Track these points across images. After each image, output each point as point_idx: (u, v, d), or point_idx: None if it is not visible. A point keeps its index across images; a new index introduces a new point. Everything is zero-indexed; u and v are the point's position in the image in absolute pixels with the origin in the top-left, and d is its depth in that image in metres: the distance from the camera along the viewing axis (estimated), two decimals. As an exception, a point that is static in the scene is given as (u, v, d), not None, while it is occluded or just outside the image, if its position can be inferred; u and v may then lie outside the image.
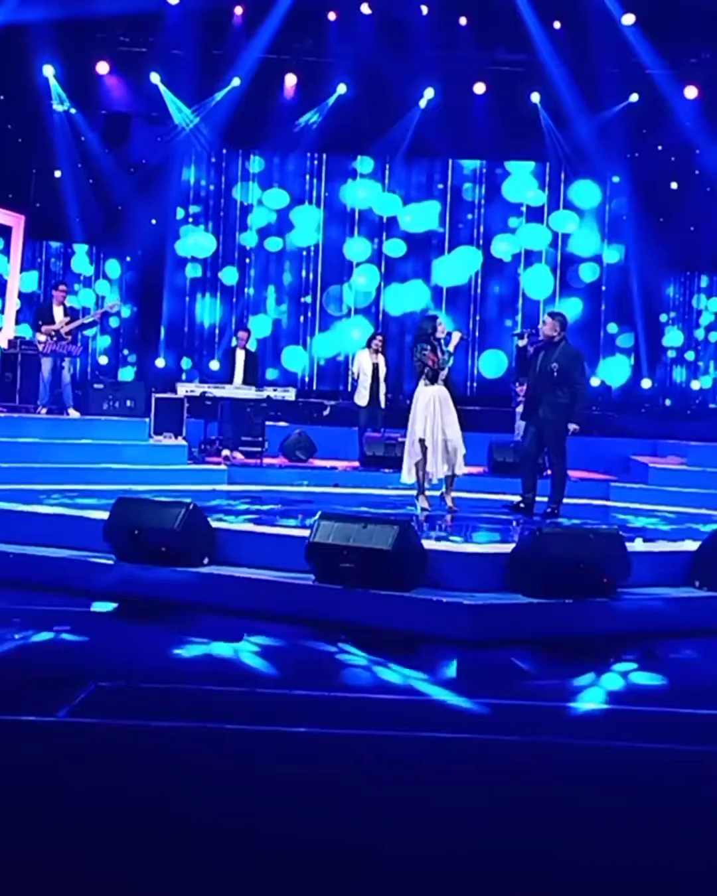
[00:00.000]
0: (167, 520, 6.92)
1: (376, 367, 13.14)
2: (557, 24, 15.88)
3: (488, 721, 4.74)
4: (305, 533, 6.80)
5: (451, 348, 9.16)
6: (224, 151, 17.77)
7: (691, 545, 7.17)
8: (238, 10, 16.13)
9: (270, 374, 17.53)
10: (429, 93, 16.92)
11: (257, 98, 16.65)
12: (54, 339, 12.41)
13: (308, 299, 17.96)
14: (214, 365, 17.37)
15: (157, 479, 10.54)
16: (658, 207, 17.01)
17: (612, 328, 17.74)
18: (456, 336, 9.23)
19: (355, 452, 13.19)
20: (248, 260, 17.94)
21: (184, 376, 17.05)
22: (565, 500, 9.51)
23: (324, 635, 6.03)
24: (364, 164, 17.92)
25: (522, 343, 9.33)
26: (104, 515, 7.18)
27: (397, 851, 3.30)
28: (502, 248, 17.86)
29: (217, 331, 17.85)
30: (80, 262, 17.62)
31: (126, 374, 17.51)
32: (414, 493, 9.58)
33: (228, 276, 17.88)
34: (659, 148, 17.03)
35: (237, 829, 3.40)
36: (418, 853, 3.29)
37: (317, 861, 3.21)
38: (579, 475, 12.23)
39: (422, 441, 9.13)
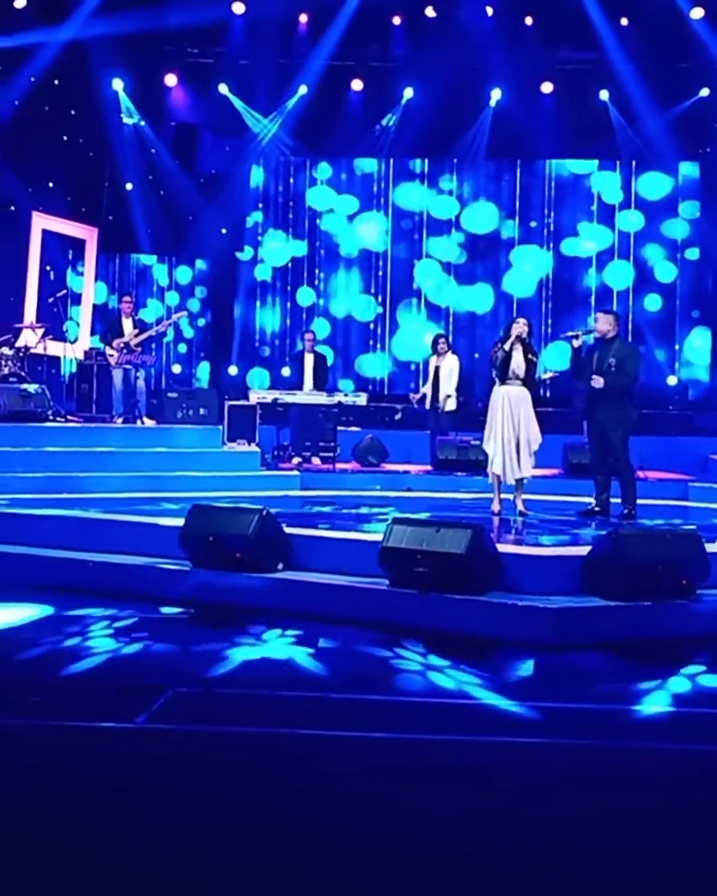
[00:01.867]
0: (241, 526, 6.96)
1: (437, 370, 13.09)
2: (624, 21, 15.72)
3: (563, 725, 4.68)
4: (379, 538, 6.79)
5: (506, 346, 8.98)
6: (293, 158, 17.87)
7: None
8: (303, 18, 16.23)
9: (343, 382, 17.55)
10: (496, 94, 16.84)
11: (325, 105, 16.73)
12: (124, 351, 12.57)
13: (379, 304, 17.96)
14: (286, 372, 17.44)
15: (230, 485, 10.61)
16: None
17: (687, 326, 17.47)
18: (515, 330, 9.07)
19: (427, 456, 13.16)
20: (318, 266, 18.01)
21: (254, 385, 17.15)
22: (644, 501, 9.38)
23: (398, 640, 6.01)
24: (433, 167, 17.89)
25: (577, 343, 9.20)
26: (180, 523, 7.25)
27: (473, 858, 3.27)
28: (574, 247, 17.70)
29: (288, 337, 17.94)
30: (153, 272, 17.84)
31: (200, 380, 17.68)
32: (491, 496, 9.53)
33: (298, 282, 17.95)
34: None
35: (311, 833, 3.40)
36: (492, 858, 3.26)
37: (392, 866, 3.20)
38: (657, 475, 12.06)
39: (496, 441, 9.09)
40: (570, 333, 9.48)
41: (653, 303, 17.48)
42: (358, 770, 4.04)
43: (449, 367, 13.09)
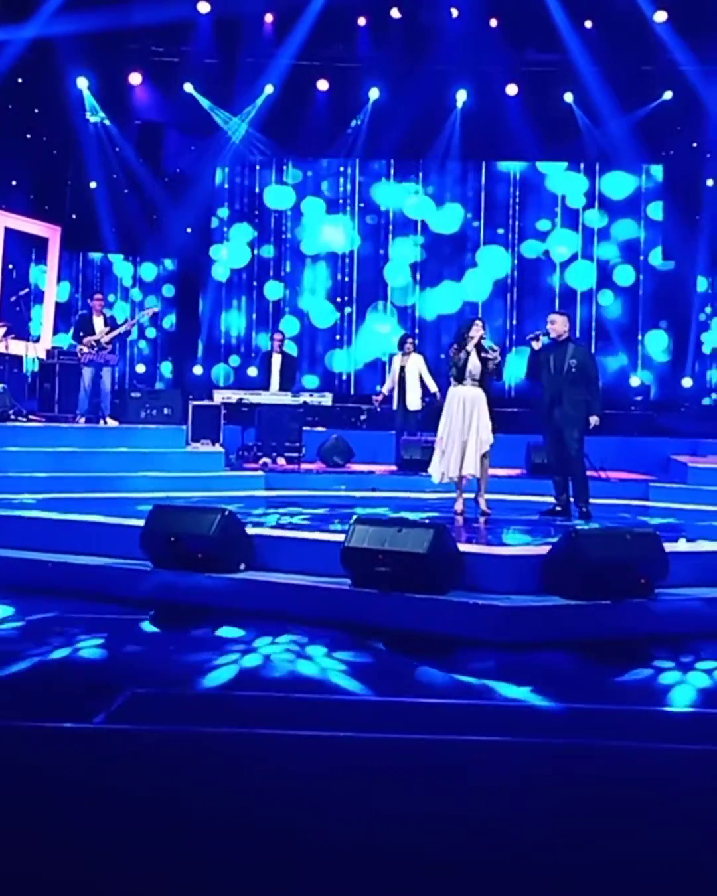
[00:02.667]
0: (203, 526, 6.95)
1: (403, 370, 13.10)
2: (588, 24, 15.82)
3: (523, 722, 4.72)
4: (341, 538, 6.81)
5: (469, 347, 9.06)
6: (259, 158, 17.84)
7: (730, 545, 7.11)
8: (268, 18, 16.21)
9: (308, 380, 17.56)
10: (462, 95, 16.90)
11: (291, 104, 16.73)
12: (95, 349, 12.52)
13: (345, 304, 17.97)
14: (252, 372, 17.42)
15: (194, 486, 10.60)
16: (694, 205, 16.88)
17: (647, 327, 17.61)
18: (475, 333, 9.14)
19: (392, 456, 13.20)
20: (284, 266, 18.00)
21: (221, 383, 17.11)
22: (605, 501, 9.48)
23: (360, 639, 6.03)
24: (398, 167, 17.93)
25: (537, 345, 9.29)
26: (141, 523, 7.23)
27: (435, 857, 3.29)
28: (538, 249, 17.79)
29: (254, 337, 17.91)
30: (116, 271, 17.77)
31: (164, 380, 17.63)
32: (453, 495, 9.58)
33: (265, 282, 17.94)
34: (694, 145, 16.90)
35: (272, 833, 3.40)
36: (460, 860, 3.28)
37: (351, 865, 3.21)
38: (619, 475, 12.17)
39: (441, 441, 9.16)
40: (530, 337, 9.55)
41: (616, 304, 17.61)
42: (321, 769, 4.05)
43: (416, 366, 13.11)
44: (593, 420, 9.07)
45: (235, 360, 17.96)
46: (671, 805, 3.79)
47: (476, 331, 9.14)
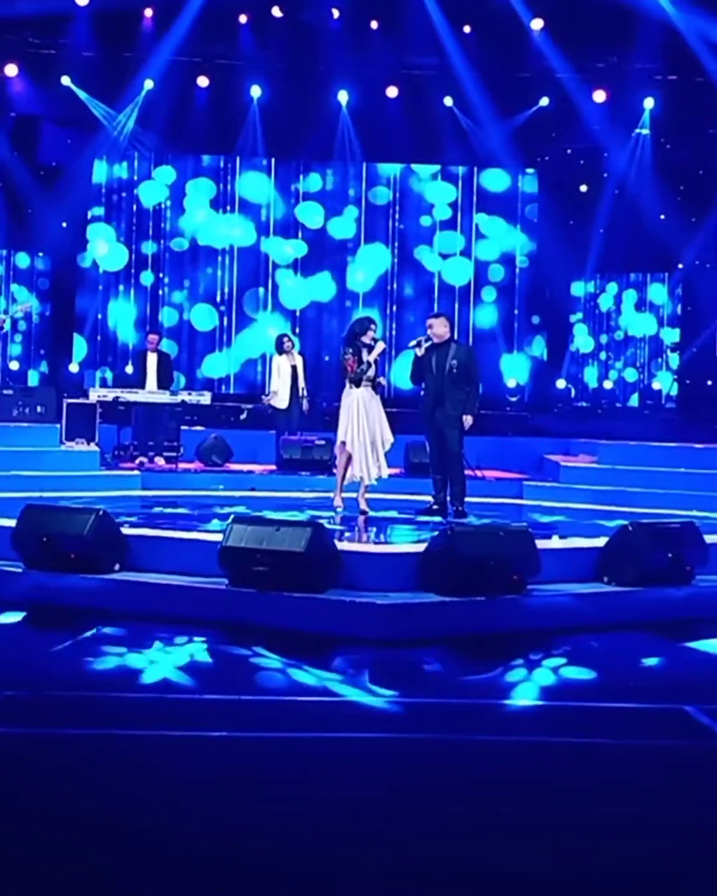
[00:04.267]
0: (77, 526, 6.84)
1: (294, 368, 13.06)
2: (467, 29, 16.03)
3: (400, 720, 4.76)
4: (218, 537, 6.77)
5: (371, 358, 9.13)
6: (137, 153, 17.61)
7: (599, 542, 7.29)
8: (148, 12, 16.02)
9: (186, 378, 17.40)
10: (343, 96, 16.97)
11: (171, 100, 16.55)
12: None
13: (223, 302, 17.87)
14: (129, 369, 17.19)
15: (68, 485, 10.41)
16: (568, 210, 17.26)
17: (522, 329, 17.94)
18: (379, 346, 9.22)
19: (273, 456, 13.16)
20: (161, 262, 17.80)
21: (97, 381, 16.83)
22: (480, 500, 9.63)
23: (237, 639, 6.01)
24: (281, 166, 17.89)
25: (420, 352, 9.36)
26: (12, 523, 7.07)
27: (306, 853, 3.29)
28: (417, 249, 17.96)
29: (131, 334, 17.66)
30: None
31: (36, 378, 17.25)
32: (331, 495, 9.61)
33: (142, 278, 17.71)
34: (569, 151, 17.28)
35: (147, 835, 3.37)
36: (328, 855, 3.29)
37: (225, 865, 3.20)
38: (494, 474, 12.37)
39: (344, 444, 9.17)
40: (412, 344, 9.62)
41: (492, 306, 17.87)
42: (200, 769, 4.03)
43: (301, 367, 13.12)
44: (468, 420, 9.19)
45: (111, 359, 17.68)
46: (526, 798, 3.88)
47: (371, 338, 9.16)
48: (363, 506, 9.40)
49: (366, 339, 9.12)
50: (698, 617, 6.90)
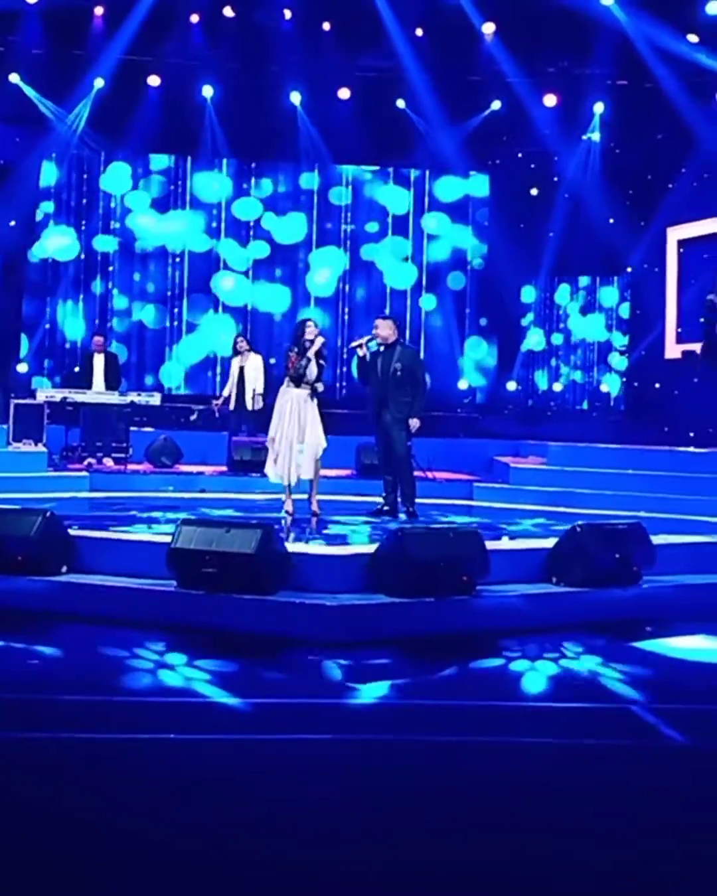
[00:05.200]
0: (23, 528, 6.76)
1: (242, 370, 13.03)
2: (419, 32, 16.06)
3: (352, 720, 4.75)
4: (167, 539, 6.73)
5: (310, 354, 9.14)
6: (88, 152, 17.46)
7: (548, 543, 7.34)
8: (98, 11, 15.88)
9: (136, 379, 17.27)
10: (296, 97, 16.94)
11: (121, 99, 16.41)
12: None
13: (174, 303, 17.76)
14: (77, 369, 17.04)
15: (15, 486, 10.29)
16: (520, 213, 17.36)
17: (473, 332, 18.02)
18: (318, 340, 9.21)
19: (223, 457, 13.11)
20: (111, 263, 17.66)
21: (45, 381, 16.66)
22: (431, 501, 9.66)
23: (186, 641, 5.98)
24: (233, 167, 17.83)
25: (362, 352, 9.40)
26: (-43, 525, 6.97)
27: (264, 853, 3.28)
28: (369, 251, 17.98)
29: (80, 335, 17.50)
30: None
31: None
32: (281, 496, 9.58)
33: (91, 278, 17.56)
34: (520, 155, 17.38)
35: (92, 838, 3.34)
36: (284, 855, 3.28)
37: (174, 867, 3.17)
38: (444, 475, 12.41)
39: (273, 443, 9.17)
40: (354, 344, 9.64)
41: (443, 307, 17.94)
42: (147, 771, 4.00)
43: (255, 367, 13.05)
44: (413, 422, 9.21)
45: (59, 359, 17.51)
46: (474, 799, 3.89)
47: (311, 333, 9.17)
48: (315, 507, 9.39)
49: (307, 337, 9.14)
50: (645, 617, 6.97)
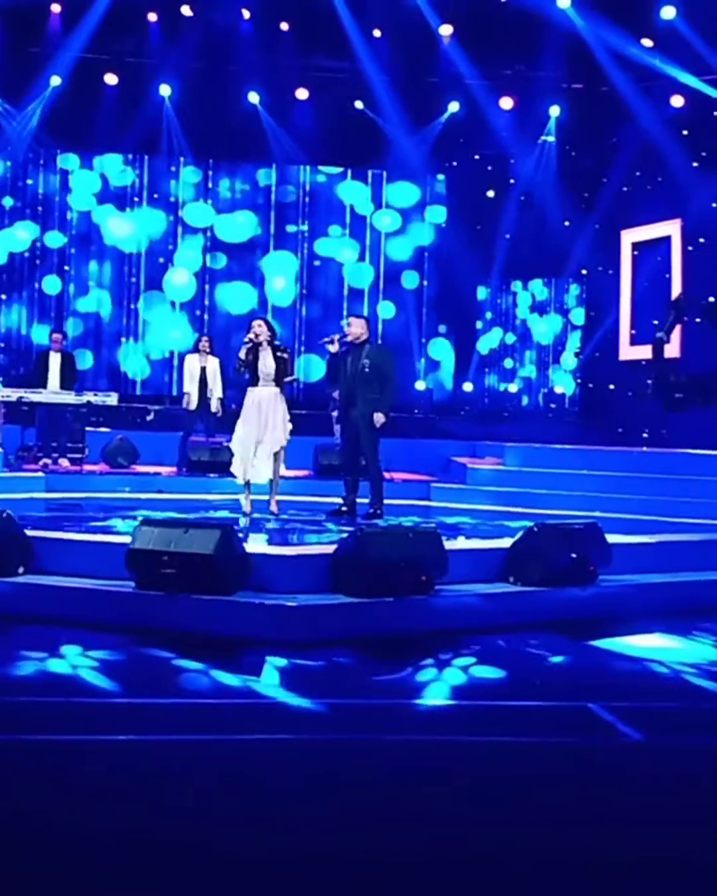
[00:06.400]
0: (-21, 529, 6.70)
1: (203, 370, 12.95)
2: (377, 33, 16.10)
3: (312, 722, 4.77)
4: (126, 540, 6.70)
5: (242, 353, 9.16)
6: (42, 150, 17.32)
7: (505, 542, 7.39)
8: (55, 8, 15.77)
9: (92, 378, 17.17)
10: (253, 97, 16.91)
11: (78, 97, 16.30)
12: None
13: (130, 302, 17.67)
14: (28, 369, 16.88)
15: (-30, 487, 10.21)
16: (475, 215, 17.45)
17: (430, 333, 18.10)
18: (251, 334, 9.22)
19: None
20: (67, 261, 17.54)
21: None
22: (389, 501, 9.67)
23: (144, 642, 5.96)
24: (187, 166, 17.78)
25: (333, 348, 9.45)
26: None
27: (225, 856, 3.28)
28: (325, 252, 18.00)
29: (33, 333, 17.35)
30: None
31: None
32: (239, 497, 9.58)
33: (45, 276, 17.43)
34: (476, 157, 17.48)
35: (56, 840, 3.33)
36: (252, 857, 3.29)
37: (138, 869, 3.17)
38: (402, 476, 12.46)
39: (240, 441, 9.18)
40: (324, 340, 9.67)
41: (400, 307, 18.00)
42: (107, 772, 3.99)
43: (214, 369, 12.99)
44: (379, 417, 9.21)
45: (11, 358, 17.35)
46: (432, 798, 3.92)
47: (258, 329, 9.19)
48: (274, 508, 9.40)
49: (255, 337, 9.17)
50: (601, 616, 7.04)
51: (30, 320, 17.39)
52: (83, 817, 3.55)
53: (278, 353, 9.22)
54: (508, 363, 18.05)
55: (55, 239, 17.40)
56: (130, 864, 3.20)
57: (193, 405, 12.87)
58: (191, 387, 12.93)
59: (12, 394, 12.33)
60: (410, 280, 18.08)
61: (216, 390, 12.88)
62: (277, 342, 9.36)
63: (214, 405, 12.85)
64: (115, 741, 4.36)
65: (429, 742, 4.50)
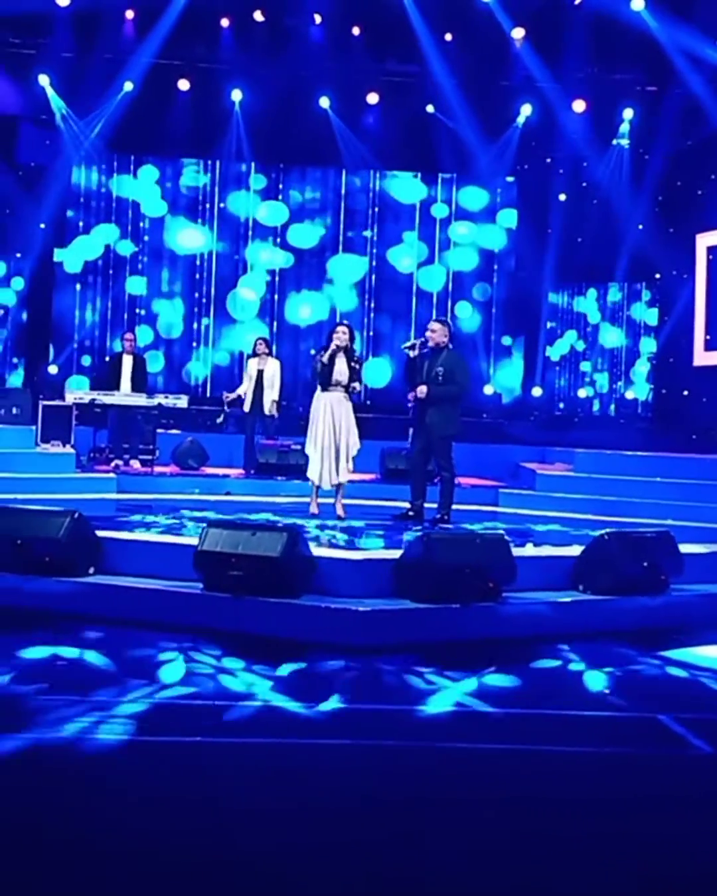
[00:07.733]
0: (51, 529, 6.78)
1: (260, 373, 12.97)
2: (448, 36, 16.06)
3: (375, 728, 4.74)
4: (194, 541, 6.74)
5: (325, 357, 9.17)
6: (115, 155, 17.55)
7: (575, 550, 7.30)
8: (129, 14, 15.97)
9: (163, 381, 17.36)
10: (324, 102, 16.96)
11: (150, 103, 16.49)
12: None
13: (202, 306, 17.82)
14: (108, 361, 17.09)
15: (44, 488, 10.33)
16: (547, 219, 17.33)
17: (503, 337, 18.00)
18: (333, 344, 9.23)
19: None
20: (140, 266, 17.75)
21: (73, 383, 16.74)
22: (456, 507, 9.60)
23: (211, 644, 5.98)
24: (260, 172, 17.88)
25: (413, 353, 9.40)
26: (-14, 525, 7.00)
27: (258, 860, 3.28)
28: (396, 258, 17.99)
29: (108, 336, 17.59)
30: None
31: (13, 380, 17.15)
32: (307, 499, 9.59)
33: (120, 281, 17.65)
34: (548, 160, 17.36)
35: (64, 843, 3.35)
36: (276, 860, 3.28)
37: (137, 868, 3.18)
38: (470, 481, 12.38)
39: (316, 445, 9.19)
40: (405, 346, 9.65)
41: (470, 312, 17.93)
42: (157, 776, 4.01)
43: (272, 372, 13.00)
44: (421, 389, 9.14)
45: (87, 361, 17.61)
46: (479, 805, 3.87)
47: (337, 337, 9.20)
48: (340, 511, 9.39)
49: (337, 342, 9.18)
50: (672, 626, 6.92)
51: (102, 325, 17.62)
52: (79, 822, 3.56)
53: (352, 363, 9.24)
54: (583, 367, 17.88)
55: (126, 246, 17.60)
56: (122, 864, 3.20)
57: (248, 408, 12.91)
58: (244, 389, 12.97)
59: (85, 396, 12.49)
60: (479, 285, 17.99)
61: (272, 393, 12.89)
62: (354, 348, 9.38)
63: (268, 407, 12.86)
64: (181, 743, 4.38)
65: (496, 751, 4.45)
